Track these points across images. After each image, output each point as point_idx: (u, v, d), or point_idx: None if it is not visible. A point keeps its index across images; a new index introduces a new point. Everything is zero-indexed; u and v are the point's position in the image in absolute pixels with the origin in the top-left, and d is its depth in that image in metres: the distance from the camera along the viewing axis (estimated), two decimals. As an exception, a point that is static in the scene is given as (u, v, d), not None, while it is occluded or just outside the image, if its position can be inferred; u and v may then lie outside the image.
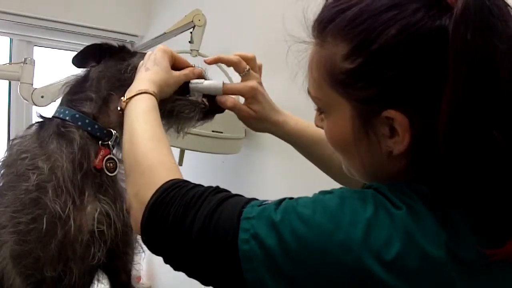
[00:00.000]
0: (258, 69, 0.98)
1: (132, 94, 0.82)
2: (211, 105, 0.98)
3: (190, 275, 0.63)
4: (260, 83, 0.96)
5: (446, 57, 0.50)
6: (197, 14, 1.78)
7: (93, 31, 2.37)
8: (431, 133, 0.53)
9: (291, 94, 1.59)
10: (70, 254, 0.92)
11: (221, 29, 1.92)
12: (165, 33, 1.81)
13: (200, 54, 1.78)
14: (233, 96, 0.95)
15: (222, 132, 1.63)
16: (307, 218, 0.53)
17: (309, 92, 0.66)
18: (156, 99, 0.83)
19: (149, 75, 0.87)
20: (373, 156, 0.59)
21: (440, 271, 0.50)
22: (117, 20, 2.43)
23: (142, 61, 0.94)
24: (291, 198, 0.59)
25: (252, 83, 0.93)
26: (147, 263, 2.39)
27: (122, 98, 0.84)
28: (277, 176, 1.64)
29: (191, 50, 1.78)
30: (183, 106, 0.97)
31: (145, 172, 0.70)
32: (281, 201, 0.58)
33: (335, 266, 0.51)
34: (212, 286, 0.62)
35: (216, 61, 0.98)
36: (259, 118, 0.95)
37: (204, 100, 0.98)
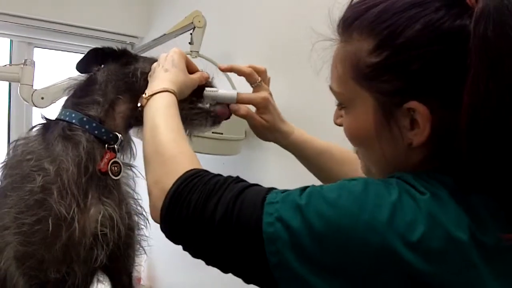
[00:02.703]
0: (267, 81, 1.03)
1: (154, 92, 0.85)
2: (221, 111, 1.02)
3: (209, 262, 0.64)
4: (271, 94, 1.00)
5: (467, 52, 0.53)
6: (197, 15, 1.78)
7: (93, 33, 2.36)
8: (451, 124, 0.56)
9: (291, 95, 1.60)
10: (74, 256, 0.92)
11: (221, 30, 1.92)
12: (165, 34, 1.81)
13: (200, 56, 1.78)
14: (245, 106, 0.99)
15: (222, 134, 1.63)
16: (333, 201, 0.55)
17: (331, 88, 0.69)
18: (176, 98, 0.86)
19: (169, 76, 0.90)
20: (395, 148, 0.62)
21: (463, 253, 0.52)
22: (117, 22, 2.43)
23: (156, 63, 0.96)
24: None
25: (264, 94, 0.99)
26: (147, 265, 2.39)
27: (143, 95, 0.87)
28: (277, 177, 1.64)
29: (191, 51, 1.78)
30: (195, 114, 1.00)
31: (167, 161, 0.72)
32: (305, 187, 0.60)
33: (360, 247, 0.52)
34: (232, 272, 0.62)
35: (229, 70, 1.03)
36: (269, 128, 0.99)
37: (216, 107, 1.02)
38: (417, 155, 0.61)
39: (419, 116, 0.58)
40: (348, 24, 0.63)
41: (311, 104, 1.54)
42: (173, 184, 0.67)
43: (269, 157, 1.67)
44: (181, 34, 1.82)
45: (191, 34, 1.79)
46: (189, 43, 1.79)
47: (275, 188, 0.63)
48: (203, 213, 0.61)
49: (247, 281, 0.62)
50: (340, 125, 0.72)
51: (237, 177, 0.67)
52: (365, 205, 0.54)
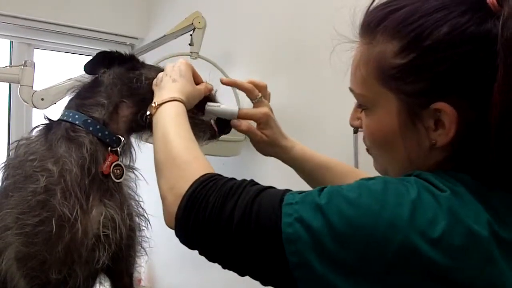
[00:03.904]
0: (268, 96, 1.04)
1: (164, 101, 0.87)
2: (222, 127, 1.04)
3: (226, 265, 0.64)
4: (271, 110, 1.01)
5: (492, 54, 0.55)
6: (197, 16, 1.79)
7: (93, 34, 2.37)
8: (475, 124, 0.57)
9: (291, 94, 1.60)
10: (76, 257, 0.92)
11: (221, 31, 1.93)
12: (165, 35, 1.82)
13: (200, 57, 1.79)
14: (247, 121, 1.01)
15: (222, 134, 1.63)
16: (353, 200, 0.56)
17: (351, 90, 0.69)
18: (185, 107, 0.88)
19: (177, 86, 0.92)
20: (418, 149, 0.63)
21: (484, 249, 0.53)
22: (118, 23, 2.43)
23: (163, 73, 0.98)
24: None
25: (265, 109, 1.00)
26: (148, 266, 2.40)
27: (152, 104, 0.88)
28: (277, 178, 1.63)
29: (191, 52, 1.79)
30: (194, 125, 0.99)
31: (181, 166, 0.73)
32: (323, 187, 0.61)
33: (381, 245, 0.52)
34: (250, 275, 0.63)
35: (231, 84, 1.05)
36: (270, 143, 1.00)
37: (213, 125, 1.04)
38: (437, 156, 0.62)
39: (446, 117, 0.59)
40: (373, 27, 0.64)
41: (311, 103, 1.54)
42: (188, 189, 0.67)
43: (268, 158, 1.67)
44: (181, 35, 1.82)
45: (191, 35, 1.80)
46: (189, 44, 1.79)
47: (291, 190, 0.64)
48: (220, 216, 0.62)
49: (265, 283, 0.62)
50: (357, 126, 0.72)
51: (252, 180, 0.67)
52: (386, 204, 0.54)
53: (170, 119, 0.83)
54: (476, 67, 0.57)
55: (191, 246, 0.67)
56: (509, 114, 0.54)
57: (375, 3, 0.66)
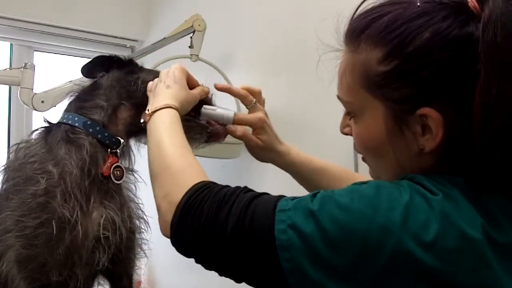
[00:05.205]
0: (262, 101, 1.04)
1: (158, 108, 0.87)
2: (218, 130, 1.04)
3: (222, 272, 0.64)
4: (266, 115, 1.02)
5: (475, 57, 0.55)
6: (197, 19, 1.79)
7: (93, 36, 2.37)
8: (462, 127, 0.57)
9: (291, 95, 1.60)
10: (76, 259, 0.92)
11: (221, 34, 1.93)
12: (165, 38, 1.82)
13: (200, 59, 1.79)
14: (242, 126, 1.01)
15: (222, 136, 1.63)
16: (345, 205, 0.56)
17: (339, 98, 0.70)
18: (179, 114, 0.88)
19: (172, 92, 0.92)
20: (408, 154, 0.63)
21: (477, 251, 0.53)
22: (117, 25, 2.43)
23: (158, 78, 0.98)
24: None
25: (260, 114, 1.00)
26: (147, 268, 2.39)
27: (146, 111, 0.88)
28: (277, 181, 1.64)
29: (191, 55, 1.79)
30: (190, 127, 1.00)
31: (176, 174, 0.73)
32: (315, 193, 0.61)
33: (374, 250, 0.53)
34: (246, 282, 0.63)
35: (224, 90, 1.04)
36: (265, 148, 1.00)
37: (215, 127, 1.04)
38: (428, 161, 0.62)
39: (432, 122, 0.59)
40: (357, 35, 0.64)
41: (311, 105, 1.54)
42: (183, 197, 0.67)
43: (269, 160, 1.67)
44: (181, 37, 1.82)
45: (191, 37, 1.80)
46: (189, 46, 1.80)
47: (284, 196, 0.64)
48: (214, 224, 0.62)
49: None
50: (347, 134, 0.73)
51: (245, 187, 0.67)
52: (378, 208, 0.54)
53: (164, 126, 0.83)
54: (459, 71, 0.57)
55: (186, 254, 0.67)
56: (490, 117, 0.55)
57: (358, 11, 0.66)
